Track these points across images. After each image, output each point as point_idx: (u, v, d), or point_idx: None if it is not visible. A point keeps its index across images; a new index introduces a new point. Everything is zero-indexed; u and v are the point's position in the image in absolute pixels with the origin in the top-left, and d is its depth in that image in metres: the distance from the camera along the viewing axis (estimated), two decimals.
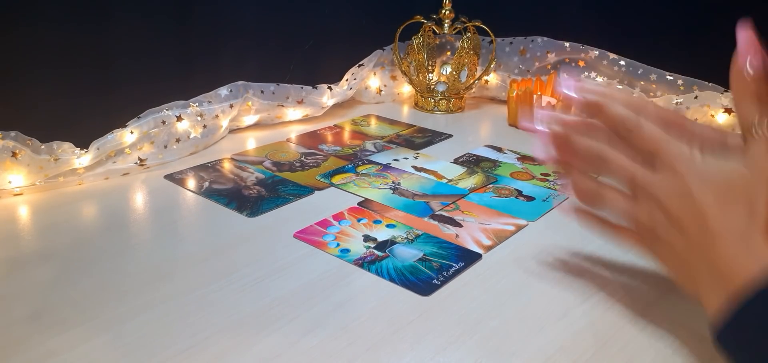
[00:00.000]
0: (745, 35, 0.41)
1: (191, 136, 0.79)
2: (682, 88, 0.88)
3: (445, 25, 1.00)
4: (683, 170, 0.40)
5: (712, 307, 0.38)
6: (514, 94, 0.93)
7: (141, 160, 0.74)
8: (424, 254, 0.56)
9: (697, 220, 0.39)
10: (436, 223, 0.62)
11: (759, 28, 0.42)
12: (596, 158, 0.46)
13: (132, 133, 0.73)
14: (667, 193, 0.41)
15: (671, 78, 0.90)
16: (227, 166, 0.77)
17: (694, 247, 0.40)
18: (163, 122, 0.76)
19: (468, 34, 0.99)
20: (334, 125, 0.94)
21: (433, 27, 1.01)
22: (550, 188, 0.71)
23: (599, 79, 0.96)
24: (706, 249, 0.39)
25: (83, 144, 0.70)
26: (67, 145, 0.69)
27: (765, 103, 0.39)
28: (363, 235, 0.59)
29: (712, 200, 0.39)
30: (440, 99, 1.02)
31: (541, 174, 0.75)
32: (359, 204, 0.66)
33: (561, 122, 0.48)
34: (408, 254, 0.56)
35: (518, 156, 0.81)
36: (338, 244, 0.57)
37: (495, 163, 0.78)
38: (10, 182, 0.66)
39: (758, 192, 0.38)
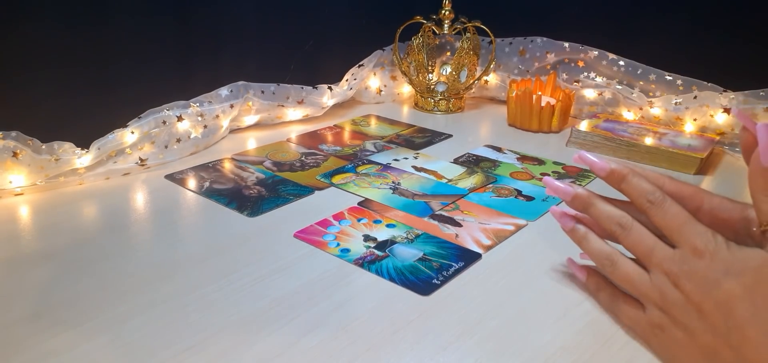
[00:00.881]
0: (764, 130, 0.40)
1: (192, 136, 0.79)
2: (681, 88, 0.89)
3: (445, 25, 1.00)
4: (706, 251, 0.40)
5: None
6: (514, 94, 0.93)
7: (142, 160, 0.74)
8: (424, 254, 0.56)
9: (722, 309, 0.38)
10: (436, 222, 0.62)
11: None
12: (616, 225, 0.45)
13: (133, 133, 0.73)
14: (686, 273, 0.40)
15: (671, 78, 0.90)
16: (228, 166, 0.77)
17: (719, 337, 0.38)
18: (164, 122, 0.76)
19: (468, 35, 0.99)
20: (334, 125, 0.94)
21: (433, 27, 1.01)
22: None
23: (598, 79, 0.96)
24: (736, 343, 0.38)
25: (84, 144, 0.71)
26: (68, 145, 0.69)
27: None
28: (363, 235, 0.59)
29: (740, 290, 0.38)
30: (440, 99, 1.02)
31: (541, 174, 0.75)
32: (359, 204, 0.66)
33: (581, 192, 0.48)
34: (408, 254, 0.56)
35: (518, 156, 0.81)
36: (338, 244, 0.57)
37: (495, 163, 0.79)
38: (10, 182, 0.66)
39: None
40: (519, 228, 0.61)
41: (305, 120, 0.95)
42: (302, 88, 0.92)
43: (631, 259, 0.45)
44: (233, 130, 0.89)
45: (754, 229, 0.41)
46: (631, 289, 0.44)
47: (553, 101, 0.92)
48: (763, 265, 0.38)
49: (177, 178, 0.73)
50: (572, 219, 0.49)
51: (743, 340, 0.37)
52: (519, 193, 0.70)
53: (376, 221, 0.62)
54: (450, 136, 0.90)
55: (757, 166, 0.40)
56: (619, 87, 0.93)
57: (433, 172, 0.75)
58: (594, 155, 0.47)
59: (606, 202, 0.47)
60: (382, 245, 0.57)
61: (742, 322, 0.37)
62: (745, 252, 0.39)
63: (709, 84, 0.86)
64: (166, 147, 0.76)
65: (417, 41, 1.01)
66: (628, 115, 0.93)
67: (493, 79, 1.06)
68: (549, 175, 0.75)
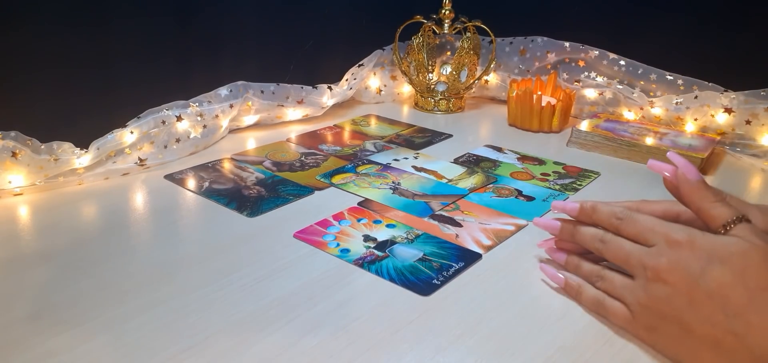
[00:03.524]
0: (676, 156, 0.46)
1: (191, 136, 0.79)
2: (682, 88, 0.88)
3: (445, 25, 1.00)
4: (683, 240, 0.41)
5: None
6: (514, 94, 0.93)
7: (141, 160, 0.74)
8: (424, 254, 0.56)
9: (715, 298, 0.39)
10: (436, 223, 0.62)
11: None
12: (598, 241, 0.47)
13: (132, 133, 0.73)
14: (667, 265, 0.41)
15: (671, 78, 0.90)
16: (227, 166, 0.77)
17: (719, 327, 0.38)
18: (163, 122, 0.76)
19: (468, 34, 0.99)
20: (334, 125, 0.94)
21: (433, 27, 1.01)
22: (550, 188, 0.71)
23: (599, 79, 0.96)
24: (741, 330, 0.38)
25: (83, 144, 0.70)
26: (67, 145, 0.69)
27: (726, 200, 0.43)
28: (363, 235, 0.59)
29: (730, 277, 0.38)
30: (440, 99, 1.02)
31: (541, 174, 0.75)
32: (359, 204, 0.66)
33: (568, 221, 0.51)
34: (408, 254, 0.56)
35: (518, 156, 0.81)
36: (338, 244, 0.57)
37: (495, 163, 0.78)
38: (10, 182, 0.66)
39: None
40: (519, 228, 0.61)
41: (305, 120, 0.95)
42: (302, 87, 0.92)
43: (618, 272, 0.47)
44: (233, 130, 0.89)
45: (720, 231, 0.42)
46: (616, 294, 0.45)
47: (553, 101, 0.92)
48: (748, 250, 0.39)
49: (176, 178, 0.73)
50: (564, 254, 0.52)
51: (747, 326, 0.37)
52: (519, 193, 0.69)
53: (376, 221, 0.62)
54: (450, 136, 0.90)
55: (687, 185, 0.44)
56: (620, 87, 0.93)
57: (434, 172, 0.75)
58: (563, 202, 0.52)
59: (585, 226, 0.49)
60: (382, 245, 0.57)
61: (741, 309, 0.38)
62: (724, 239, 0.40)
63: (710, 84, 0.86)
64: (165, 147, 0.76)
65: (417, 41, 1.01)
66: (628, 115, 0.93)
67: (493, 78, 1.06)
68: (550, 175, 0.75)
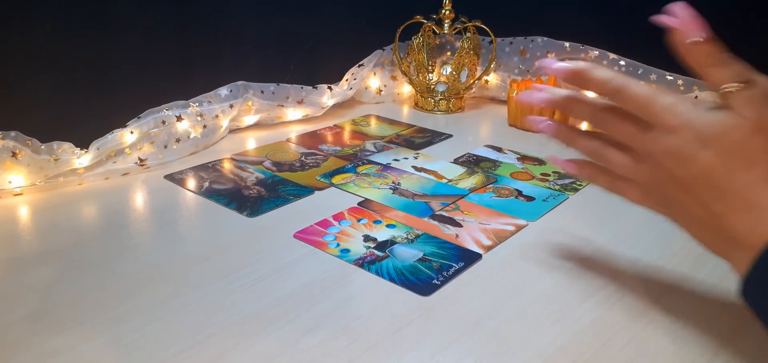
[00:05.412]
0: (681, 8, 0.41)
1: (191, 136, 0.79)
2: (682, 88, 0.88)
3: (445, 25, 1.00)
4: (678, 125, 0.40)
5: (738, 265, 0.39)
6: (514, 94, 0.93)
7: (141, 160, 0.74)
8: (424, 254, 0.56)
9: (702, 181, 0.39)
10: (436, 223, 0.62)
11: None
12: (594, 121, 0.46)
13: (132, 133, 0.73)
14: (665, 151, 0.41)
15: (671, 78, 0.90)
16: (227, 166, 0.77)
17: (706, 207, 0.40)
18: (163, 122, 0.76)
19: (468, 34, 0.99)
20: (334, 125, 0.94)
21: (433, 27, 1.01)
22: (550, 188, 0.71)
23: None
24: (721, 211, 0.39)
25: (83, 144, 0.70)
26: (67, 145, 0.69)
27: (728, 62, 0.40)
28: (363, 235, 0.59)
29: (715, 158, 0.38)
30: (440, 99, 1.02)
31: (541, 174, 0.75)
32: (359, 204, 0.66)
33: (556, 91, 0.49)
34: (408, 254, 0.56)
35: (518, 156, 0.81)
36: (338, 244, 0.57)
37: (495, 163, 0.79)
38: (10, 182, 0.66)
39: (754, 141, 0.38)
40: (519, 228, 0.61)
41: (305, 120, 0.95)
42: (302, 88, 0.92)
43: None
44: (233, 130, 0.89)
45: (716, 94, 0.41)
46: (625, 174, 0.45)
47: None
48: (732, 127, 0.38)
49: (176, 178, 0.73)
50: (551, 122, 0.50)
51: (726, 207, 0.38)
52: (519, 193, 0.69)
53: (376, 221, 0.62)
54: (450, 136, 0.90)
55: (689, 47, 0.41)
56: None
57: (434, 172, 0.75)
58: (550, 60, 0.48)
59: (582, 101, 0.47)
60: (382, 245, 0.57)
61: (723, 191, 0.38)
62: (713, 115, 0.39)
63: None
64: (165, 147, 0.76)
65: (417, 41, 1.01)
66: None
67: (493, 78, 1.06)
68: (550, 175, 0.75)
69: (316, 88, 0.94)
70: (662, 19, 0.42)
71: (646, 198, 0.45)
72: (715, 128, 0.39)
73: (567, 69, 0.46)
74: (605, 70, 0.44)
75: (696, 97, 0.85)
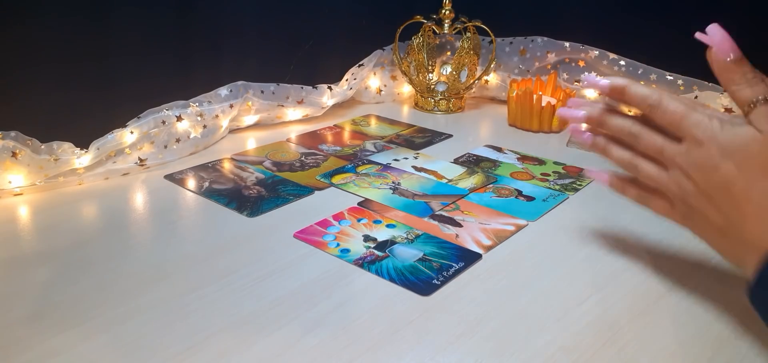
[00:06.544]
0: (716, 30, 0.45)
1: (191, 136, 0.79)
2: (682, 88, 0.88)
3: (445, 25, 1.00)
4: (705, 139, 0.43)
5: (751, 270, 0.41)
6: (514, 94, 0.93)
7: (141, 160, 0.74)
8: (424, 254, 0.56)
9: (722, 191, 0.42)
10: (436, 223, 0.62)
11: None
12: (628, 135, 0.49)
13: (132, 133, 0.73)
14: (692, 163, 0.44)
15: (671, 78, 0.90)
16: (227, 166, 0.77)
17: (724, 216, 0.42)
18: (163, 122, 0.76)
19: (468, 34, 0.99)
20: (334, 125, 0.94)
21: (433, 27, 1.01)
22: (550, 188, 0.71)
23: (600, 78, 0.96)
24: (737, 220, 0.42)
25: (83, 144, 0.70)
26: (67, 145, 0.69)
27: (752, 81, 0.43)
28: (363, 235, 0.59)
29: (735, 169, 0.41)
30: (440, 99, 1.02)
31: (541, 174, 0.75)
32: (359, 204, 0.66)
33: (594, 106, 0.52)
34: (408, 254, 0.56)
35: (518, 156, 0.81)
36: (338, 244, 0.57)
37: (495, 163, 0.78)
38: (10, 182, 0.66)
39: None
40: (519, 228, 0.61)
41: (305, 120, 0.95)
42: (302, 87, 0.92)
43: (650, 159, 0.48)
44: (233, 130, 0.89)
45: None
46: (655, 185, 0.48)
47: (553, 101, 0.92)
48: (750, 141, 0.41)
49: (176, 178, 0.73)
50: (590, 134, 0.53)
51: (743, 216, 0.41)
52: (519, 193, 0.69)
53: (376, 221, 0.62)
54: (450, 136, 0.90)
55: (720, 65, 0.44)
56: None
57: (434, 172, 0.75)
58: (594, 77, 0.53)
59: (617, 115, 0.50)
60: (382, 245, 0.57)
61: (740, 199, 0.41)
62: (736, 130, 0.42)
63: (710, 84, 0.86)
64: (165, 147, 0.76)
65: (417, 41, 1.01)
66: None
67: (493, 78, 1.06)
68: (550, 175, 0.75)
69: (316, 88, 0.94)
70: (701, 37, 0.46)
71: (672, 210, 0.48)
72: (736, 141, 0.41)
73: (608, 85, 0.49)
74: (642, 86, 0.48)
75: (696, 97, 0.85)
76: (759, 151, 0.40)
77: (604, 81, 0.50)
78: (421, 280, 0.51)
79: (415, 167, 0.77)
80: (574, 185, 0.72)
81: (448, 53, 1.09)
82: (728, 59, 0.44)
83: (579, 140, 0.54)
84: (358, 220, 0.62)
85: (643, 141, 0.48)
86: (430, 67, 1.03)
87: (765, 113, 0.41)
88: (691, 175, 0.44)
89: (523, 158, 0.80)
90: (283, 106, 0.91)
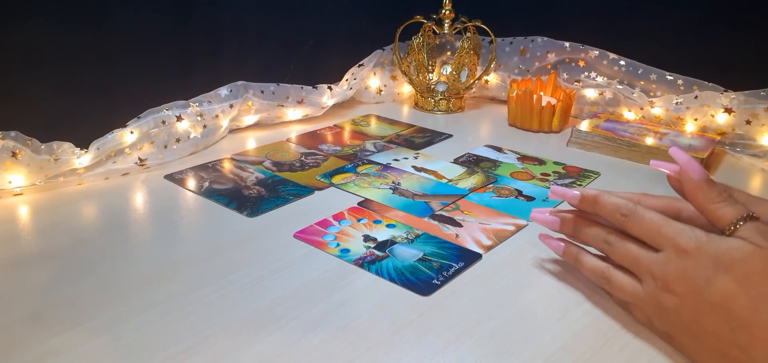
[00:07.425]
0: (679, 153, 0.44)
1: (191, 136, 0.79)
2: (682, 88, 0.88)
3: (445, 25, 1.00)
4: (691, 249, 0.40)
5: None
6: (514, 94, 0.93)
7: (141, 160, 0.74)
8: (424, 254, 0.56)
9: (720, 311, 0.38)
10: (436, 223, 0.62)
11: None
12: (603, 242, 0.47)
13: (132, 133, 0.73)
14: (673, 274, 0.40)
15: (671, 78, 0.90)
16: (227, 166, 0.77)
17: (724, 339, 0.38)
18: (163, 122, 0.76)
19: (468, 34, 0.99)
20: (334, 125, 0.94)
21: (433, 27, 1.01)
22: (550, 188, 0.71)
23: (599, 79, 0.96)
24: (744, 343, 0.37)
25: (83, 144, 0.70)
26: (67, 145, 0.69)
27: (730, 200, 0.41)
28: (363, 235, 0.59)
29: (734, 286, 0.37)
30: (440, 99, 1.02)
31: (541, 174, 0.75)
32: (359, 204, 0.66)
33: (569, 213, 0.51)
34: (408, 254, 0.56)
35: (518, 156, 0.81)
36: (338, 244, 0.57)
37: (495, 163, 0.78)
38: (10, 182, 0.66)
39: None
40: (519, 228, 0.61)
41: (305, 120, 0.95)
42: (302, 87, 0.92)
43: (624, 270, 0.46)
44: (233, 130, 0.89)
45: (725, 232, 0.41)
46: (629, 300, 0.45)
47: (553, 101, 0.92)
48: (750, 255, 0.37)
49: (176, 178, 0.73)
50: (562, 242, 0.51)
51: (751, 339, 0.36)
52: (519, 193, 0.69)
53: (376, 221, 0.62)
54: (450, 136, 0.90)
55: (690, 184, 0.42)
56: (620, 87, 0.93)
57: (434, 172, 0.75)
58: (563, 188, 0.50)
59: (591, 224, 0.48)
60: (382, 245, 0.57)
61: (745, 320, 0.37)
62: (729, 243, 0.39)
63: (710, 84, 0.86)
64: (165, 147, 0.76)
65: (417, 41, 1.01)
66: (628, 115, 0.93)
67: (493, 78, 1.06)
68: (550, 175, 0.75)
69: (316, 88, 0.94)
70: (659, 167, 0.45)
71: (650, 323, 0.44)
72: (733, 254, 0.38)
73: (578, 196, 0.48)
74: (615, 197, 0.46)
75: (696, 97, 0.85)
76: (763, 265, 0.37)
77: (574, 192, 0.48)
78: (421, 280, 0.51)
79: (415, 167, 0.77)
80: (574, 185, 0.72)
81: (448, 53, 1.09)
82: (700, 178, 0.42)
83: (549, 246, 0.52)
84: (358, 220, 0.62)
85: (617, 249, 0.45)
86: (430, 67, 1.03)
87: (755, 228, 0.39)
88: (673, 288, 0.40)
89: (523, 158, 0.80)
90: (283, 106, 0.91)
